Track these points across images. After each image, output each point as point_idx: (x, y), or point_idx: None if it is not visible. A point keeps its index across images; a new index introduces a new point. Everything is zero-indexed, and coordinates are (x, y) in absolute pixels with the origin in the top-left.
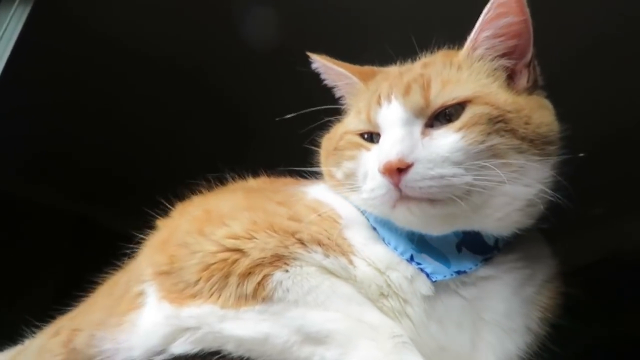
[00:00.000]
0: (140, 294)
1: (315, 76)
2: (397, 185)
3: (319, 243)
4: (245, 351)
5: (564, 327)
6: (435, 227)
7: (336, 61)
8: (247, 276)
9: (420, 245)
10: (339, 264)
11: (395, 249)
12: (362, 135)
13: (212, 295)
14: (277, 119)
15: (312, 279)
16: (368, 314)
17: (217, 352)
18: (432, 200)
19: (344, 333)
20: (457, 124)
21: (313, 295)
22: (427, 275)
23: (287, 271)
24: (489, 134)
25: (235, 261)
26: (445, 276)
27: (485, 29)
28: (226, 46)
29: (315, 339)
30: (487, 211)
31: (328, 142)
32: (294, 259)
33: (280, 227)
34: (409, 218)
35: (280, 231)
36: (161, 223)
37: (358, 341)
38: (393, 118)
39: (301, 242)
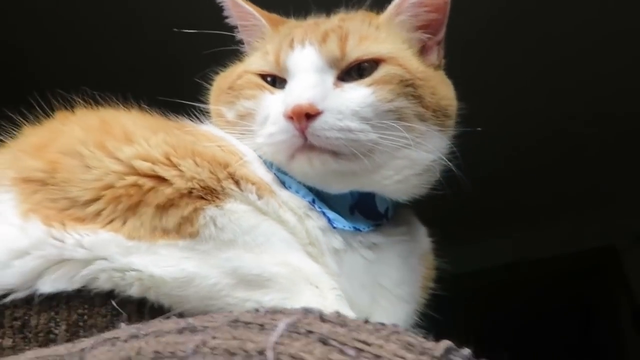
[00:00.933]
0: None
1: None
2: (302, 132)
3: (251, 180)
4: (155, 294)
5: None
6: (334, 183)
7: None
8: (168, 208)
9: (318, 198)
10: (272, 206)
11: (297, 192)
12: (264, 77)
13: (111, 221)
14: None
15: (250, 218)
16: (307, 261)
17: (105, 294)
18: (335, 154)
19: (287, 277)
20: (368, 79)
21: (252, 235)
22: (329, 220)
23: (220, 207)
24: (398, 94)
25: (152, 189)
26: (344, 226)
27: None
28: None
29: (253, 282)
30: (387, 172)
31: (222, 80)
32: (227, 194)
33: (207, 156)
34: (308, 170)
35: (208, 161)
36: (30, 130)
37: (301, 287)
38: (306, 63)
39: (233, 177)
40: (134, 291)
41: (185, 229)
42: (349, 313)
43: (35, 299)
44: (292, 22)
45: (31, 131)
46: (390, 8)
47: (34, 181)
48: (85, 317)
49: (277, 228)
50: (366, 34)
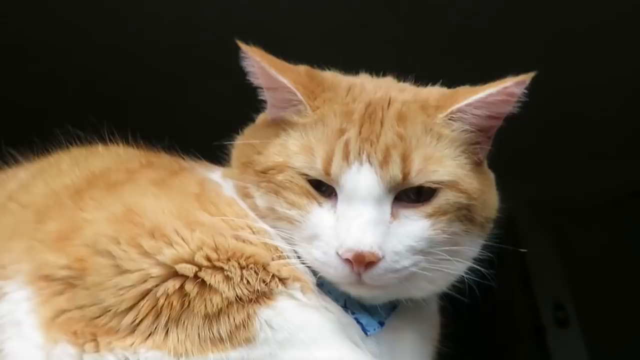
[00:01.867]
0: None
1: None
2: (359, 276)
3: (296, 278)
4: None
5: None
6: (371, 301)
7: (274, 61)
8: (218, 316)
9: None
10: (314, 302)
11: (329, 292)
12: (308, 179)
13: (150, 335)
14: None
15: (301, 314)
16: (358, 354)
17: None
18: (385, 287)
19: None
20: (427, 208)
21: (306, 331)
22: (362, 327)
23: (272, 308)
24: (453, 221)
25: (198, 295)
26: (375, 329)
27: (480, 107)
28: None
29: None
30: (423, 285)
31: (248, 148)
32: (275, 293)
33: (249, 256)
34: (354, 296)
35: (251, 263)
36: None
37: None
38: (365, 191)
39: (279, 276)
40: None
41: (239, 337)
42: None
43: None
44: (332, 89)
45: (45, 213)
46: (453, 110)
47: (56, 280)
48: None
49: (325, 320)
50: (430, 153)
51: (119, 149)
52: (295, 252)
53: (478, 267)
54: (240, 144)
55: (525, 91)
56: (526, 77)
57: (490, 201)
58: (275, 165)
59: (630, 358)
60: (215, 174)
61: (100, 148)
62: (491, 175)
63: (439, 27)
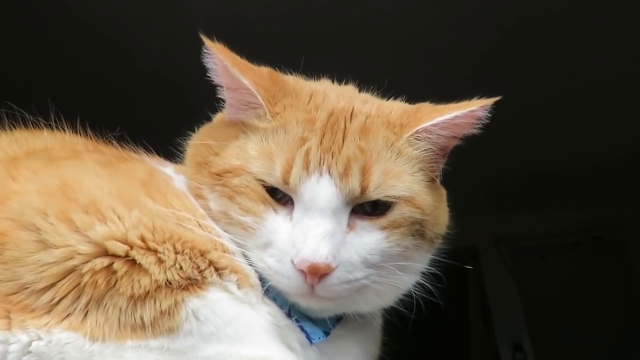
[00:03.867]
0: None
1: None
2: (312, 287)
3: (233, 270)
4: None
5: None
6: (319, 313)
7: (237, 60)
8: (144, 300)
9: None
10: (250, 299)
11: (274, 299)
12: (264, 185)
13: (68, 315)
14: None
15: (231, 308)
16: (288, 355)
17: None
18: (335, 298)
19: None
20: (382, 221)
21: (233, 326)
22: (307, 334)
23: (202, 298)
24: (406, 235)
25: (124, 277)
26: (320, 338)
27: (445, 128)
28: None
29: None
30: (371, 298)
31: (203, 148)
32: (208, 283)
33: (187, 242)
34: (303, 307)
35: (189, 248)
36: None
37: None
38: (324, 202)
39: (215, 265)
40: None
41: (162, 325)
42: None
43: None
44: (293, 94)
45: None
46: (414, 131)
47: None
48: None
49: (257, 317)
50: (389, 168)
51: (65, 135)
52: (246, 257)
53: (425, 282)
54: (197, 143)
55: (489, 114)
56: (490, 101)
57: (442, 218)
58: (232, 169)
59: None
60: (167, 169)
61: (45, 132)
62: (443, 192)
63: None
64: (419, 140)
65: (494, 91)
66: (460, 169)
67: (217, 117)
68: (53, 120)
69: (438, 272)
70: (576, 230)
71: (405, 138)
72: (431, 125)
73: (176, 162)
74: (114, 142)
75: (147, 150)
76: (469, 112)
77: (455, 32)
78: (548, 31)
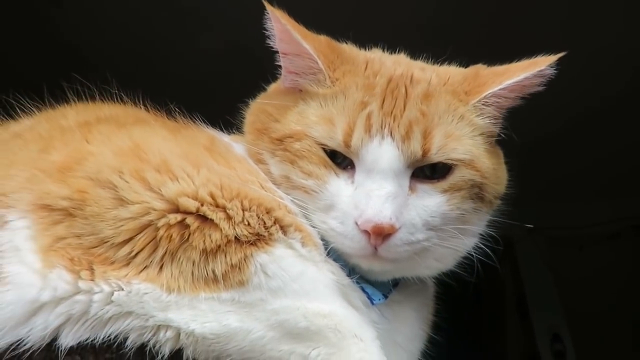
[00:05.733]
0: None
1: None
2: (376, 248)
3: (297, 228)
4: (192, 350)
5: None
6: (380, 276)
7: (298, 26)
8: (215, 254)
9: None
10: (314, 257)
11: (336, 260)
12: (325, 149)
13: (145, 268)
14: None
15: (297, 264)
16: (351, 312)
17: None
18: (397, 260)
19: (334, 330)
20: (444, 184)
21: (300, 282)
22: (368, 295)
23: (270, 254)
24: (466, 198)
25: (197, 232)
26: (380, 300)
27: (515, 90)
28: None
29: (300, 335)
30: (432, 263)
31: (263, 114)
32: (274, 240)
33: (254, 199)
34: (364, 268)
35: (256, 205)
36: (48, 141)
37: (347, 342)
38: (386, 165)
39: (280, 223)
40: (168, 348)
41: (233, 278)
42: None
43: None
44: (353, 62)
45: (49, 143)
46: (482, 96)
47: (56, 210)
48: None
49: (321, 274)
50: (451, 131)
51: (127, 106)
52: (308, 220)
53: (482, 245)
54: (255, 110)
55: (555, 71)
56: (555, 58)
57: (501, 178)
58: (293, 134)
59: None
60: (225, 137)
61: (107, 104)
62: (500, 152)
63: None
64: (486, 105)
65: None
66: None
67: (272, 87)
68: (115, 94)
69: (496, 234)
70: (615, 220)
71: (472, 104)
72: (500, 89)
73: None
74: (172, 113)
75: (204, 122)
76: (538, 72)
77: None
78: None
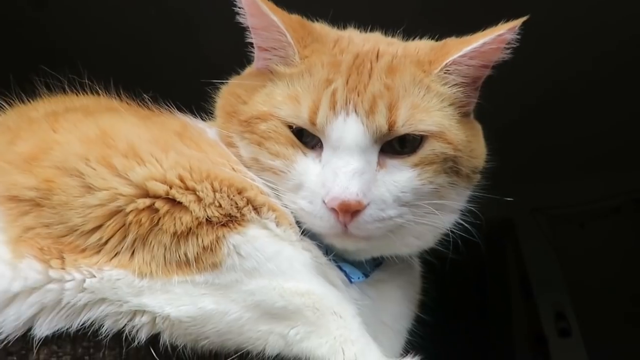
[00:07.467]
0: None
1: None
2: (345, 226)
3: (271, 208)
4: (169, 335)
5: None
6: (355, 255)
7: (269, 2)
8: (187, 237)
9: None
10: (289, 236)
11: (311, 238)
12: (291, 128)
13: (117, 254)
14: None
15: (272, 244)
16: (329, 289)
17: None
18: (369, 237)
19: (312, 308)
20: (414, 158)
21: (275, 262)
22: (346, 274)
23: (243, 234)
24: (439, 172)
25: (166, 215)
26: (359, 278)
27: (475, 57)
28: None
29: (278, 315)
30: (410, 240)
31: (233, 97)
32: (247, 220)
33: (224, 180)
34: (337, 247)
35: (226, 186)
36: (14, 132)
37: (326, 319)
38: (352, 141)
39: (252, 203)
40: (144, 333)
41: (206, 260)
42: (372, 343)
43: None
44: (320, 39)
45: (16, 134)
46: (443, 65)
47: (23, 201)
48: (92, 350)
49: (298, 253)
50: (417, 102)
51: (100, 97)
52: (280, 201)
53: (463, 222)
54: (226, 93)
55: (517, 37)
56: (517, 23)
57: (478, 151)
58: (259, 115)
59: None
60: (199, 124)
61: (80, 96)
62: (478, 126)
63: None
64: (448, 74)
65: None
66: (494, 140)
67: (246, 70)
68: (90, 86)
69: (476, 208)
70: (615, 195)
71: (435, 74)
72: (459, 56)
73: (206, 122)
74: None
75: (179, 109)
76: (496, 36)
77: None
78: None
